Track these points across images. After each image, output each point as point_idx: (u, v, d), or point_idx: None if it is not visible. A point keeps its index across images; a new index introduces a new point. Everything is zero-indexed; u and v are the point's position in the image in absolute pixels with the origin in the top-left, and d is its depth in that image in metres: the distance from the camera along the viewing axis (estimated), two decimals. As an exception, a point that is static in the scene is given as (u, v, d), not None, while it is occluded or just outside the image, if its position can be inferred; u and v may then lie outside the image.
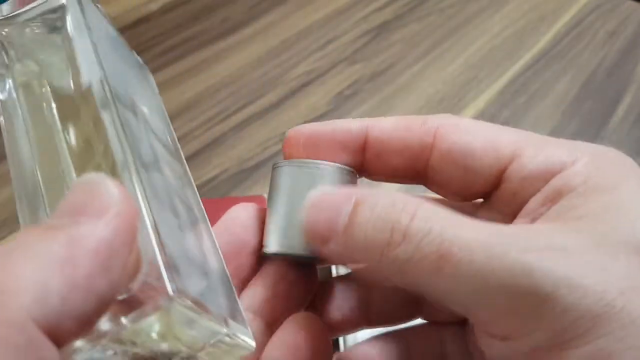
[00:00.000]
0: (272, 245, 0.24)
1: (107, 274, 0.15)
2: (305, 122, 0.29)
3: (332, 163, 0.24)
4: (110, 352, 0.17)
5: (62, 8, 0.22)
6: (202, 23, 0.68)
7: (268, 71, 0.63)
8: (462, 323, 0.27)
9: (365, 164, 0.25)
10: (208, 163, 0.54)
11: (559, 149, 0.22)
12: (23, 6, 0.22)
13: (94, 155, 0.20)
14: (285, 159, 0.26)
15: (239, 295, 0.25)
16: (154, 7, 0.70)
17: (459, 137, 0.23)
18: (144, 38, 0.65)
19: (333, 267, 0.35)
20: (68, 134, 0.21)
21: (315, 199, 0.22)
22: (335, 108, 0.59)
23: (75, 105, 0.21)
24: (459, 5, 0.72)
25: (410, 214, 0.20)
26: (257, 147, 0.55)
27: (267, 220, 0.25)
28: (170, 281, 0.16)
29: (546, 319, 0.18)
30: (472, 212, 0.24)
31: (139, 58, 0.29)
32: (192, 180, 0.26)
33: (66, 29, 0.22)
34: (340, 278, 0.28)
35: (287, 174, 0.24)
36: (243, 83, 0.62)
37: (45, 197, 0.20)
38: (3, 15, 0.22)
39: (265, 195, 0.44)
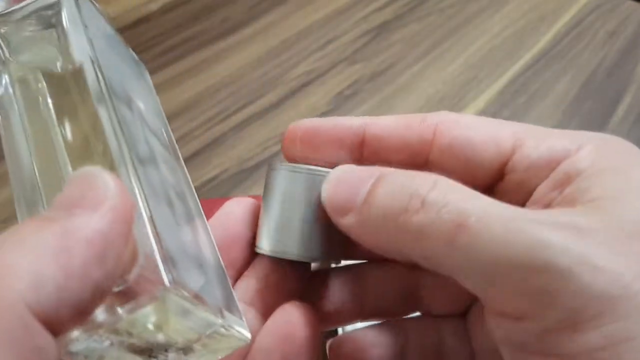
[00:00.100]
0: (265, 246, 0.25)
1: (102, 265, 0.15)
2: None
3: (326, 169, 0.24)
4: (106, 343, 0.17)
5: (57, 4, 0.22)
6: (202, 23, 0.68)
7: (268, 71, 0.63)
8: (461, 316, 0.27)
9: (363, 161, 0.25)
10: (208, 163, 0.54)
11: (561, 138, 0.22)
12: (18, 3, 0.22)
13: (90, 149, 0.20)
14: (283, 151, 0.26)
15: (233, 287, 0.25)
16: (154, 7, 0.70)
17: (459, 132, 0.23)
18: (144, 38, 0.65)
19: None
20: (64, 129, 0.21)
21: (339, 173, 0.23)
22: (335, 108, 0.59)
23: (72, 100, 0.21)
24: (459, 5, 0.72)
25: (429, 185, 0.20)
26: (257, 147, 0.55)
27: (261, 220, 0.25)
28: (166, 272, 0.17)
29: (560, 297, 0.18)
30: None
31: (135, 55, 0.29)
32: (188, 176, 0.27)
33: (61, 25, 0.22)
34: (336, 269, 0.28)
35: (282, 178, 0.24)
36: (243, 83, 0.62)
37: (42, 193, 0.20)
38: None
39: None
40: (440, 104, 0.60)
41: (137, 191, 0.18)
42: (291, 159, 0.26)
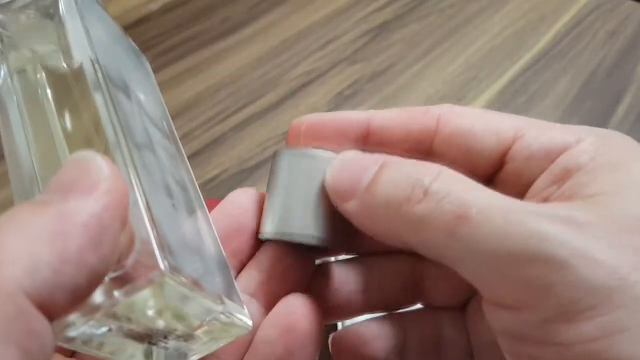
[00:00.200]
0: (269, 228, 0.24)
1: (98, 249, 0.15)
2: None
3: (332, 153, 0.24)
4: (105, 329, 0.17)
5: None
6: (202, 23, 0.69)
7: (268, 71, 0.63)
8: (460, 308, 0.27)
9: (367, 152, 0.25)
10: (208, 163, 0.54)
11: (562, 130, 0.22)
12: None
13: (88, 137, 0.20)
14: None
15: (235, 278, 0.25)
16: (154, 7, 0.70)
17: (461, 122, 0.24)
18: (144, 38, 0.65)
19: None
20: (64, 119, 0.21)
21: (344, 158, 0.23)
22: (335, 108, 0.59)
23: (71, 90, 0.21)
24: (459, 5, 0.72)
25: (433, 175, 0.20)
26: (257, 147, 0.55)
27: (265, 206, 0.25)
28: (162, 257, 0.16)
29: (557, 288, 0.18)
30: None
31: (137, 48, 0.29)
32: (189, 165, 0.26)
33: (59, 15, 0.22)
34: (340, 263, 0.27)
35: (287, 161, 0.24)
36: (243, 83, 0.62)
37: (40, 183, 0.20)
38: None
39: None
40: (440, 103, 0.59)
41: (132, 176, 0.18)
42: None
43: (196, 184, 0.26)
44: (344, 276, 0.27)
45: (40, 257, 0.14)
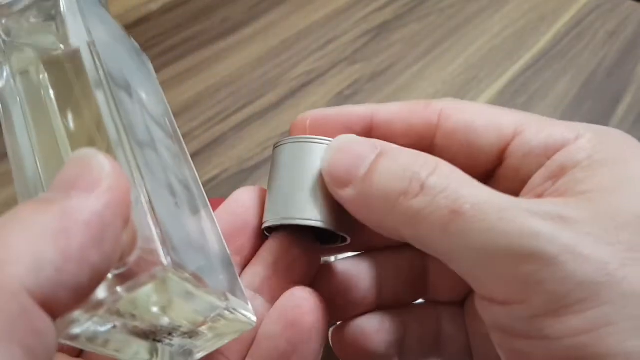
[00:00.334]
0: (270, 216, 0.24)
1: (100, 247, 0.15)
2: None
3: (330, 139, 0.24)
4: (109, 326, 0.17)
5: None
6: (202, 23, 0.68)
7: (268, 71, 0.63)
8: (460, 303, 0.28)
9: None
10: (208, 163, 0.54)
11: (562, 127, 0.22)
12: None
13: (91, 136, 0.20)
14: None
15: (240, 275, 0.25)
16: (154, 7, 0.70)
17: (462, 117, 0.24)
18: (144, 38, 0.65)
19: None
20: (66, 119, 0.21)
21: (340, 143, 0.23)
22: (335, 108, 0.59)
23: (73, 91, 0.21)
24: (459, 5, 0.72)
25: (430, 169, 0.21)
26: (257, 147, 0.55)
27: (267, 197, 0.25)
28: (165, 253, 0.17)
29: (547, 283, 0.18)
30: None
31: (136, 44, 0.29)
32: (192, 163, 0.26)
33: (60, 15, 0.22)
34: (344, 260, 0.28)
35: (287, 150, 0.25)
36: (243, 83, 0.61)
37: (44, 183, 0.20)
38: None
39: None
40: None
41: (134, 173, 0.18)
42: None
43: (200, 183, 0.26)
44: (349, 273, 0.27)
45: (44, 256, 0.14)
